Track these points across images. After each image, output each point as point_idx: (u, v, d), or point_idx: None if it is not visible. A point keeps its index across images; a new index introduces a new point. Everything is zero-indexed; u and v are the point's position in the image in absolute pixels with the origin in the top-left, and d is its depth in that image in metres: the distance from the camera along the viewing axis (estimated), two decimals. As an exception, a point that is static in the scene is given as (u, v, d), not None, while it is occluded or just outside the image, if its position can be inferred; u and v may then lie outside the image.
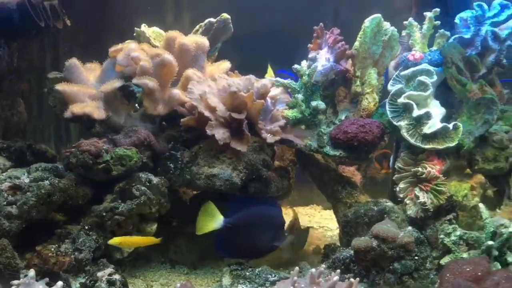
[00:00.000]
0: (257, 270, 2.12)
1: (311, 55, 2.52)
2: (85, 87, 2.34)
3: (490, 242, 2.02)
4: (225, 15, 2.78)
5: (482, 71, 2.44)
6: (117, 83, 2.34)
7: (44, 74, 2.77)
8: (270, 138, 2.32)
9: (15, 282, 1.74)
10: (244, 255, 2.21)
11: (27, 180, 2.11)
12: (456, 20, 2.51)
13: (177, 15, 3.48)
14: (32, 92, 2.88)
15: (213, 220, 2.13)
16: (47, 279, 1.79)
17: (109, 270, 2.02)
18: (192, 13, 3.45)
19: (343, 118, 2.56)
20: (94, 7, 3.21)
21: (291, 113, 2.49)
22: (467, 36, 2.42)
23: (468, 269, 1.85)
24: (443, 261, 2.09)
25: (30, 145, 2.41)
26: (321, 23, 2.56)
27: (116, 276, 2.00)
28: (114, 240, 2.04)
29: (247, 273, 2.10)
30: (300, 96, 2.46)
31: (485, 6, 2.43)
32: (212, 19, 2.79)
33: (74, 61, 2.38)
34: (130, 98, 2.57)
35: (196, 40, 2.52)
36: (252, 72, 2.50)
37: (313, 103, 2.45)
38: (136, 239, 2.16)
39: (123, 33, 2.87)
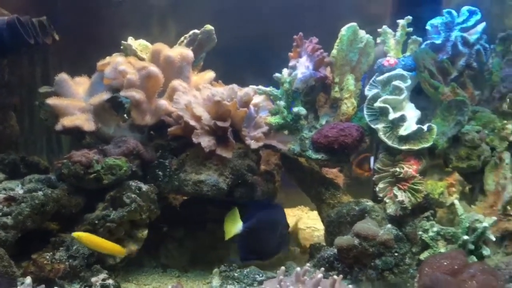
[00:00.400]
0: (245, 271, 2.18)
1: (291, 63, 2.61)
2: (75, 100, 2.40)
3: (466, 237, 2.09)
4: (208, 27, 2.84)
5: (453, 74, 2.51)
6: (105, 96, 2.41)
7: (35, 88, 2.83)
8: (253, 144, 2.40)
9: None
10: (260, 256, 2.33)
11: (21, 192, 2.16)
12: (427, 27, 2.59)
13: (163, 27, 3.55)
14: (23, 106, 2.91)
15: (235, 226, 2.25)
16: (43, 286, 1.84)
17: (103, 275, 2.09)
18: (177, 25, 3.52)
19: (323, 122, 2.65)
20: (81, 22, 3.27)
21: (273, 120, 2.56)
22: (438, 41, 2.51)
23: (445, 263, 1.91)
24: (422, 256, 2.16)
25: (24, 157, 2.47)
26: (300, 33, 2.63)
27: (110, 281, 2.06)
28: (78, 234, 2.02)
29: (236, 274, 2.16)
30: (282, 103, 2.54)
31: (454, 13, 2.52)
32: (196, 31, 2.85)
33: (63, 76, 2.45)
34: (118, 109, 2.64)
35: (181, 52, 2.59)
36: (235, 81, 2.57)
37: (295, 109, 2.53)
38: (100, 241, 2.10)
39: (110, 47, 2.90)
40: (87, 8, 3.32)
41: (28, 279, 1.85)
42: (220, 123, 2.29)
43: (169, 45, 2.73)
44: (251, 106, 2.50)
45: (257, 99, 2.59)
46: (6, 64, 2.56)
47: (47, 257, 2.08)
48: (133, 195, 2.26)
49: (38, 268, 2.05)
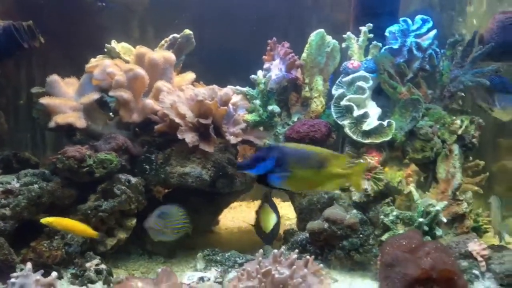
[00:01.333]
0: (226, 254, 2.34)
1: (265, 65, 2.79)
2: (66, 99, 2.51)
3: (421, 219, 2.30)
4: (187, 31, 2.98)
5: (409, 76, 2.72)
6: (95, 95, 2.54)
7: (20, 89, 2.94)
8: (233, 140, 2.56)
9: (15, 274, 1.89)
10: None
11: (17, 185, 2.27)
12: (386, 33, 2.79)
13: (142, 31, 3.66)
14: (9, 105, 3.02)
15: (271, 218, 2.56)
16: (42, 271, 1.93)
17: (96, 261, 2.22)
18: (156, 28, 3.64)
19: (295, 119, 2.83)
20: (64, 25, 3.34)
21: (250, 117, 2.72)
22: (396, 46, 2.71)
23: (404, 243, 2.09)
24: (383, 237, 2.36)
25: (16, 153, 2.58)
26: (274, 38, 2.82)
27: (103, 266, 2.20)
28: (46, 219, 2.06)
29: (218, 258, 2.32)
30: (257, 102, 2.71)
31: (409, 21, 2.72)
32: (176, 35, 2.98)
33: (55, 77, 2.56)
34: (104, 108, 2.74)
35: (163, 55, 2.73)
36: (213, 81, 2.72)
37: (269, 108, 2.70)
38: (70, 223, 2.13)
39: (92, 49, 3.01)
40: (69, 12, 3.40)
41: (29, 265, 1.91)
42: (202, 121, 2.44)
43: (147, 47, 2.83)
44: (230, 105, 2.65)
45: (235, 98, 2.74)
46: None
47: (45, 244, 2.21)
48: (123, 187, 2.40)
49: (37, 255, 2.17)
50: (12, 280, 1.88)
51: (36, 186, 2.27)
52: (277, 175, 1.79)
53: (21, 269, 1.98)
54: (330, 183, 1.85)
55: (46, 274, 1.93)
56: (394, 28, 2.76)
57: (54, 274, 1.94)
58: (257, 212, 2.73)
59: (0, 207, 2.18)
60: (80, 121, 2.47)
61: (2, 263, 2.05)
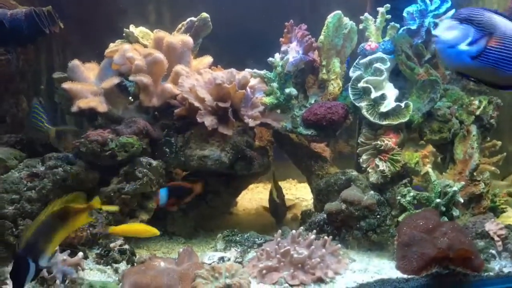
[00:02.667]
0: (245, 235, 2.39)
1: (283, 48, 2.79)
2: (87, 84, 2.55)
3: (438, 200, 2.31)
4: (204, 14, 2.98)
5: (427, 57, 2.70)
6: (115, 80, 2.58)
7: (40, 73, 2.98)
8: (251, 122, 2.58)
9: None
10: None
11: (42, 168, 2.33)
12: (404, 14, 2.75)
13: (159, 14, 3.66)
14: (30, 90, 3.07)
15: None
16: (68, 251, 2.02)
17: (120, 241, 2.27)
18: (172, 12, 3.63)
19: (312, 102, 2.85)
20: (82, 10, 3.37)
21: (268, 100, 2.74)
22: (414, 27, 2.68)
23: (421, 223, 2.13)
24: (400, 218, 2.37)
25: (39, 138, 2.64)
26: (291, 20, 2.81)
27: (126, 246, 2.25)
28: (114, 229, 2.17)
29: (237, 238, 2.37)
30: (275, 85, 2.72)
31: (428, 1, 2.68)
32: (193, 18, 2.98)
33: (76, 62, 2.60)
34: (123, 92, 2.77)
35: (182, 38, 2.74)
36: (230, 65, 2.72)
37: (287, 90, 2.71)
38: (134, 228, 2.24)
39: (109, 33, 3.03)
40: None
41: None
42: (221, 104, 2.47)
43: (165, 31, 2.85)
44: (248, 88, 2.65)
45: (253, 81, 2.74)
46: (20, 52, 2.70)
47: None
48: (144, 170, 2.44)
49: None
50: (41, 260, 1.97)
51: (60, 169, 2.33)
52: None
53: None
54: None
55: (72, 254, 2.02)
56: (412, 8, 2.73)
57: (80, 254, 2.03)
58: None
59: (26, 190, 2.25)
60: (102, 106, 2.51)
61: (30, 244, 2.11)
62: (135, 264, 2.19)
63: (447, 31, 1.86)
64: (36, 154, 2.54)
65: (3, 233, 2.10)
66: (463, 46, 1.84)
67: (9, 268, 1.84)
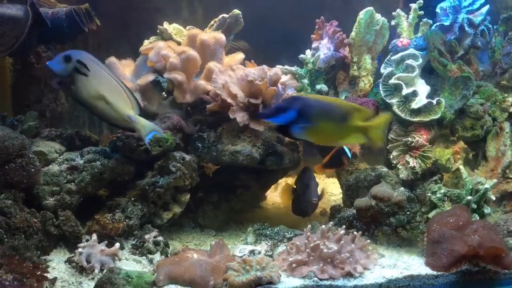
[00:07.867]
0: (275, 229, 2.42)
1: (314, 45, 2.81)
2: (124, 81, 2.58)
3: (469, 197, 2.31)
4: (236, 11, 3.00)
5: (460, 53, 2.70)
6: (150, 77, 2.64)
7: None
8: None
9: (82, 244, 2.07)
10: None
11: (81, 162, 2.41)
12: (437, 10, 2.75)
13: (191, 11, 3.71)
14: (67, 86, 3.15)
15: None
16: (106, 241, 2.11)
17: (154, 233, 2.34)
18: (204, 8, 3.68)
19: (343, 98, 2.84)
20: (116, 7, 3.45)
21: None
22: (447, 23, 2.67)
23: (451, 220, 2.14)
24: (430, 214, 2.38)
25: (78, 131, 2.72)
26: (322, 17, 2.82)
27: (160, 238, 2.31)
28: None
29: (268, 232, 2.40)
30: (306, 81, 2.75)
31: None
32: (225, 15, 3.01)
33: (113, 59, 2.67)
34: (157, 88, 2.79)
35: (214, 35, 2.77)
36: (261, 61, 2.75)
37: (317, 86, 2.74)
38: None
39: (143, 30, 3.09)
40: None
41: (94, 236, 2.11)
42: (253, 100, 2.50)
43: (197, 27, 2.91)
44: (279, 85, 2.68)
45: (284, 78, 2.76)
46: (60, 48, 2.79)
47: (108, 217, 2.34)
48: (178, 164, 2.50)
49: (101, 227, 2.30)
50: (79, 249, 2.05)
51: (98, 163, 2.40)
52: (298, 126, 1.74)
53: (86, 240, 2.16)
54: (352, 136, 1.81)
55: (109, 245, 2.10)
56: (445, 4, 2.72)
57: (117, 244, 2.11)
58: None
59: (66, 182, 2.34)
60: (138, 102, 2.57)
61: (70, 234, 2.20)
62: (169, 255, 2.24)
63: None
64: (75, 147, 2.63)
65: (44, 223, 2.17)
66: None
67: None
